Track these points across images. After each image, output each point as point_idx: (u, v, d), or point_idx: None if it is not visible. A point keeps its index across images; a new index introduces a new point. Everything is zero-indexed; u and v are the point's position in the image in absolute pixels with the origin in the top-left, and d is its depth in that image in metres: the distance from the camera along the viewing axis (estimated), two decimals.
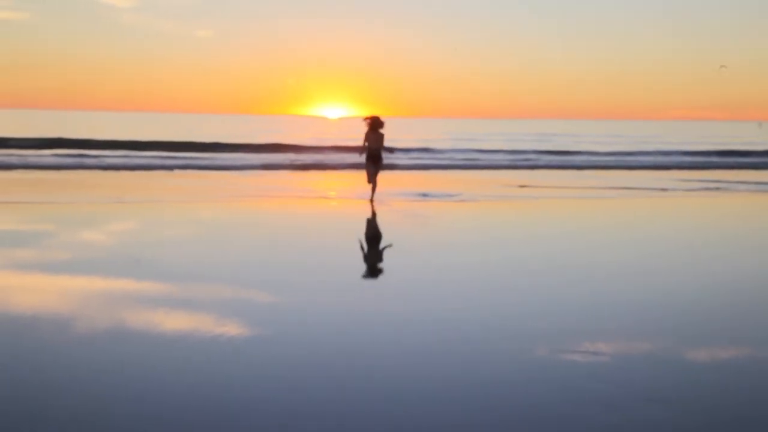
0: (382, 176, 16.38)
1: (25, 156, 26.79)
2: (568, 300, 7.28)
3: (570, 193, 18.99)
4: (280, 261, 9.17)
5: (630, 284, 8.08)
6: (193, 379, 4.92)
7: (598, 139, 57.31)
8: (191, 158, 28.28)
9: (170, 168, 24.59)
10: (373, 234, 11.64)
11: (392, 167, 27.08)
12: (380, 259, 9.63)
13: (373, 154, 15.63)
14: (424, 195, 17.00)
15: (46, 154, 27.68)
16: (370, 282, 8.29)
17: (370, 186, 15.77)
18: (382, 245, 10.63)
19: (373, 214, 13.89)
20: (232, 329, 5.99)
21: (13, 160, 25.25)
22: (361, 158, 16.14)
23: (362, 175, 16.67)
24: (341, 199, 16.96)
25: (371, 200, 15.59)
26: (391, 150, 16.23)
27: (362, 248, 10.37)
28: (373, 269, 9.01)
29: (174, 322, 6.22)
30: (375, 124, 15.63)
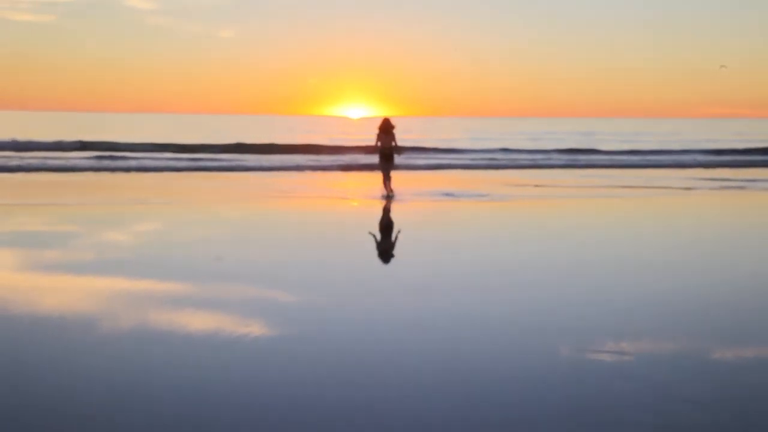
0: (416, 176, 16.58)
1: (58, 158, 27.16)
2: (597, 299, 7.25)
3: (596, 193, 18.91)
4: (305, 260, 9.18)
5: (662, 283, 8.00)
6: (217, 378, 4.95)
7: (624, 138, 56.94)
8: (216, 160, 28.48)
9: (192, 170, 24.80)
10: (386, 224, 12.50)
11: (421, 167, 27.14)
12: (392, 247, 10.25)
13: (385, 153, 16.78)
14: (449, 194, 17.11)
15: (74, 157, 28.02)
16: (400, 280, 8.24)
17: (385, 184, 16.85)
18: (394, 234, 11.45)
19: (388, 208, 14.64)
20: (256, 329, 6.03)
21: (53, 162, 25.53)
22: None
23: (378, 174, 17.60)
24: (369, 199, 17.01)
25: (387, 195, 16.58)
26: (400, 149, 17.18)
27: (375, 237, 11.07)
28: (386, 255, 9.63)
29: (202, 321, 6.26)
30: (386, 126, 16.76)
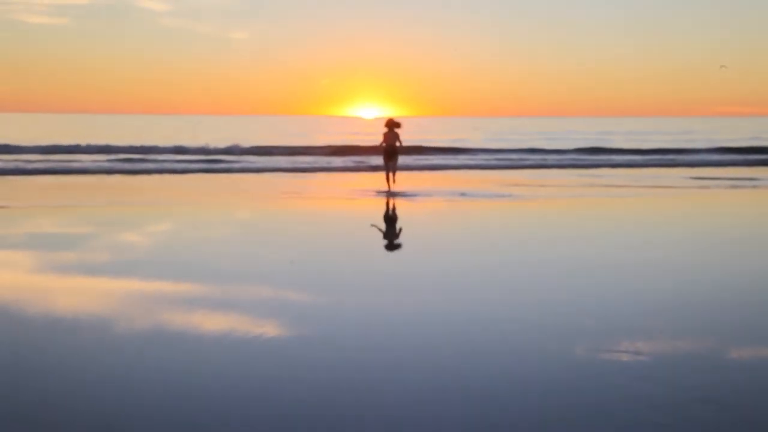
0: (435, 176, 16.63)
1: (75, 161, 27.41)
2: (614, 298, 7.27)
3: (615, 192, 18.90)
4: (320, 261, 9.22)
5: (684, 282, 7.99)
6: (231, 379, 4.98)
7: (636, 137, 56.63)
8: (232, 161, 28.65)
9: (206, 171, 24.95)
10: (391, 217, 13.59)
11: (430, 168, 27.15)
12: (396, 238, 11.27)
13: (389, 150, 17.70)
14: (463, 194, 17.20)
15: (90, 160, 28.25)
16: (419, 281, 8.16)
17: (389, 180, 17.82)
18: (398, 227, 12.42)
19: (392, 202, 15.57)
20: (270, 330, 6.07)
21: (72, 165, 25.74)
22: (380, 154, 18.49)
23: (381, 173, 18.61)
24: (374, 197, 17.10)
25: (389, 189, 17.55)
26: (403, 147, 18.07)
27: (380, 229, 12.05)
28: (390, 246, 10.60)
29: (218, 322, 6.30)
30: (391, 125, 17.77)
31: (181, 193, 18.26)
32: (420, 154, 32.35)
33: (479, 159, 32.05)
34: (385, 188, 17.75)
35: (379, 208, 15.14)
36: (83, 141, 35.60)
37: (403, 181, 19.12)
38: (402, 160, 18.92)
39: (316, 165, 27.88)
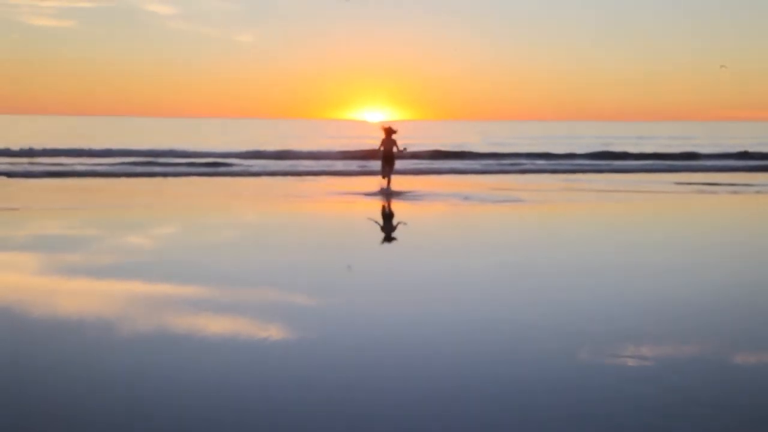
0: (446, 180, 16.68)
1: (82, 164, 27.49)
2: (621, 302, 7.27)
3: (621, 196, 18.90)
4: (325, 263, 9.22)
5: (690, 286, 8.00)
6: (235, 381, 5.01)
7: (644, 142, 56.55)
8: (239, 165, 28.71)
9: (208, 175, 25.02)
10: (387, 215, 14.51)
11: (454, 171, 27.17)
12: (393, 232, 11.99)
13: (387, 155, 18.59)
14: (466, 197, 17.27)
15: (99, 163, 28.35)
16: (427, 284, 8.19)
17: (385, 180, 18.62)
18: (395, 222, 13.30)
19: (389, 204, 16.16)
20: (275, 333, 6.09)
21: (78, 168, 25.77)
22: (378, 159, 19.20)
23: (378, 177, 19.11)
24: (373, 197, 17.15)
25: (387, 190, 18.33)
26: (400, 151, 18.73)
27: (378, 223, 13.16)
28: (388, 239, 11.39)
29: (223, 324, 6.32)
30: (388, 131, 18.58)
31: (192, 197, 18.30)
32: (433, 159, 32.74)
33: (482, 163, 32.00)
34: (383, 186, 18.52)
35: (377, 207, 15.25)
36: (89, 144, 35.73)
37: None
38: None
39: (325, 168, 27.92)
